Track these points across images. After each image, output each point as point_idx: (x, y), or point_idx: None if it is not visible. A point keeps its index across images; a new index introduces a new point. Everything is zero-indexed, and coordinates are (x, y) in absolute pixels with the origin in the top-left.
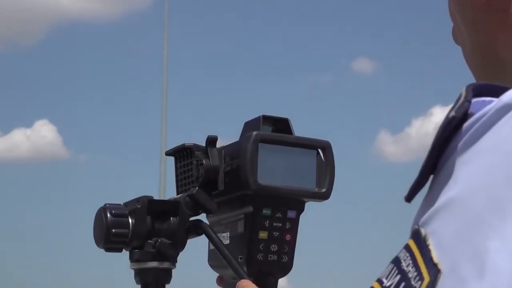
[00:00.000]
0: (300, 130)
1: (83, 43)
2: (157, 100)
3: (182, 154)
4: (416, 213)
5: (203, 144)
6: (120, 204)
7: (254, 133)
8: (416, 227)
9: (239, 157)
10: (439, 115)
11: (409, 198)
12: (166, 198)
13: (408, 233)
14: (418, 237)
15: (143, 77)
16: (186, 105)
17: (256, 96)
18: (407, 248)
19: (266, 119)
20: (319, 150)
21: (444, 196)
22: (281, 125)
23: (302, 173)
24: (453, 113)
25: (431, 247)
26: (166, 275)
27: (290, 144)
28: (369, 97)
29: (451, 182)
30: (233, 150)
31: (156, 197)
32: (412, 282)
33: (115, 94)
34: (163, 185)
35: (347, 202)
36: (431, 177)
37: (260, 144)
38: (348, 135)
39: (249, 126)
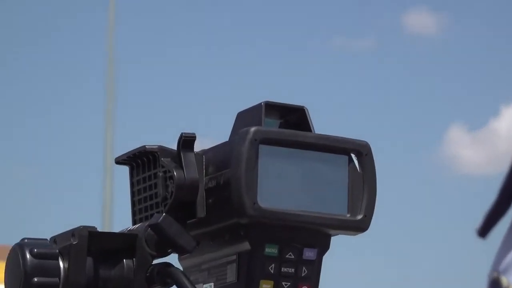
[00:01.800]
0: (324, 124)
1: None
2: (98, 81)
3: (142, 162)
4: (496, 254)
5: (174, 147)
6: (45, 240)
7: (253, 129)
8: (495, 274)
9: (229, 166)
10: None
11: (483, 231)
12: (116, 230)
13: (485, 280)
14: None
15: (78, 46)
16: (144, 86)
17: (256, 74)
18: None
19: (271, 108)
20: (353, 156)
21: None
22: (294, 116)
23: (326, 191)
24: None
25: None
26: None
27: (308, 147)
28: (432, 72)
29: None
30: (221, 156)
31: (100, 228)
32: None
33: (31, 73)
34: (108, 210)
35: (397, 234)
36: None
37: (261, 147)
38: (400, 132)
39: (245, 118)
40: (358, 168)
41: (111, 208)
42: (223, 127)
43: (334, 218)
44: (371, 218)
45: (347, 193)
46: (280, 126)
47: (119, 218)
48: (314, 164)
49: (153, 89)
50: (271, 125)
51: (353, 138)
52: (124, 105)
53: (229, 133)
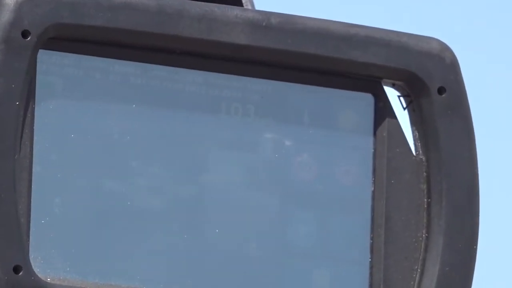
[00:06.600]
0: None
1: None
2: None
3: None
4: None
5: None
6: None
7: None
8: None
9: None
10: None
11: None
12: None
13: None
14: None
15: None
16: None
17: None
18: None
19: None
20: (396, 93)
21: None
22: None
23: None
24: None
25: None
26: None
27: (238, 61)
28: None
29: None
30: None
31: None
32: None
33: None
34: None
35: None
36: None
37: (43, 57)
38: None
39: None
40: (414, 148)
41: None
42: None
43: None
44: None
45: (370, 225)
46: None
47: None
48: (260, 124)
49: None
50: None
51: (397, 30)
52: None
53: None
